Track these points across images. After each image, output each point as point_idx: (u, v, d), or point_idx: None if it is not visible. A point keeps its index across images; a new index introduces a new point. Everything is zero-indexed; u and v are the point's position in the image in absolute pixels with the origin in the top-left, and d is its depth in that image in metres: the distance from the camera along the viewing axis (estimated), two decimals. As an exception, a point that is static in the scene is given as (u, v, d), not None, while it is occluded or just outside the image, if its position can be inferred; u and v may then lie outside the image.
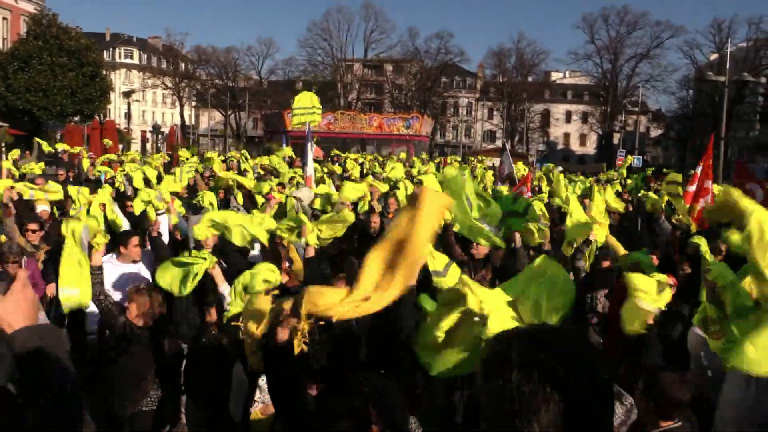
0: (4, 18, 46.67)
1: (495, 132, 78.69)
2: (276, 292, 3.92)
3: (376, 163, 22.17)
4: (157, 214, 6.38)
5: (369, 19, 74.54)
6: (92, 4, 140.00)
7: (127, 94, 55.65)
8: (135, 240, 5.81)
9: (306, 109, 12.46)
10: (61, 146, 18.55)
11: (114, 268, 5.52)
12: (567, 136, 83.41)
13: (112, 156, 18.84)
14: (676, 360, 5.13)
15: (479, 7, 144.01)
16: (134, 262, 5.75)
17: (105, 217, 7.10)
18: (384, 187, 10.51)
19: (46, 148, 18.07)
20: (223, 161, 17.07)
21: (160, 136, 59.05)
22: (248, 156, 18.57)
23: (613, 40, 68.95)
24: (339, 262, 6.67)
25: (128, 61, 79.91)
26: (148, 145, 61.84)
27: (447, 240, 6.30)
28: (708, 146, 10.31)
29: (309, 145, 11.93)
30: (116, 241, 5.90)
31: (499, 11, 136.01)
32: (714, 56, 59.90)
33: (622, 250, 6.29)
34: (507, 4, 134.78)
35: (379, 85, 77.09)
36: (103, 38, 75.48)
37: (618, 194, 12.44)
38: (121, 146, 37.80)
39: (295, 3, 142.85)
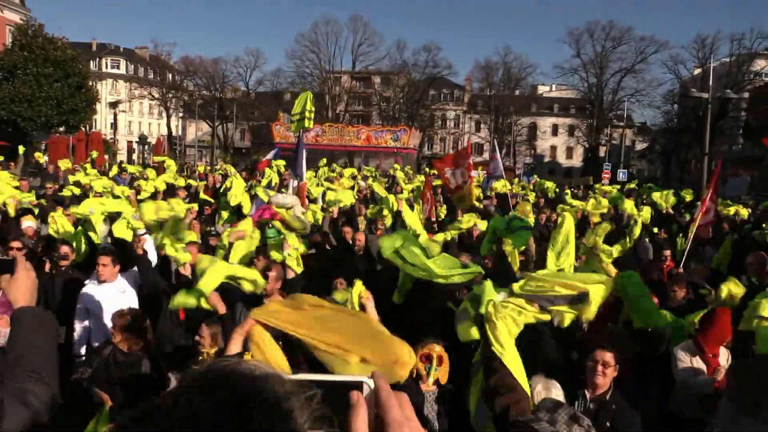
0: (-11, 28, 46.45)
1: (482, 145, 79.09)
2: None
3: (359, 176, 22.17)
4: (139, 234, 6.05)
5: (357, 32, 74.82)
6: (78, 14, 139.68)
7: (113, 105, 55.43)
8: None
9: (298, 114, 11.67)
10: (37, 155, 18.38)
11: (96, 288, 5.43)
12: (554, 149, 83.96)
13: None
14: (660, 378, 5.17)
15: (467, 21, 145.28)
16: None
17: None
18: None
19: (21, 150, 17.86)
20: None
21: (146, 147, 58.66)
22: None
23: (598, 55, 69.65)
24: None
25: (115, 71, 79.46)
26: (135, 156, 61.42)
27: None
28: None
29: (303, 151, 11.63)
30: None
31: (486, 25, 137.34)
32: (698, 71, 60.71)
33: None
34: (494, 19, 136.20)
35: (367, 98, 77.15)
36: (90, 48, 75.09)
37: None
38: (106, 157, 37.59)
39: (283, 15, 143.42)
